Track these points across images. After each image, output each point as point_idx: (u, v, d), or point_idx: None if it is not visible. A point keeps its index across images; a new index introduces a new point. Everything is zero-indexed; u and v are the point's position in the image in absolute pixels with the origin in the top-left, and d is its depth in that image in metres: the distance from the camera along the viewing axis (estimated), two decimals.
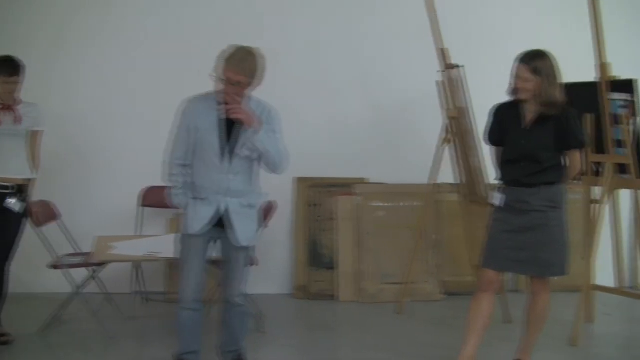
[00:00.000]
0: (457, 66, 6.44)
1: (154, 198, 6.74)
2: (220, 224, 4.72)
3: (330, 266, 7.37)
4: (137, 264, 6.86)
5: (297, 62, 7.44)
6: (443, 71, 6.58)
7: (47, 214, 6.16)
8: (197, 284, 4.79)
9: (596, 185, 6.16)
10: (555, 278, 5.10)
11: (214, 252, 4.91)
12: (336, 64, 7.56)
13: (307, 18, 7.49)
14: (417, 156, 7.28)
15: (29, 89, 5.86)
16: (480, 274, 5.14)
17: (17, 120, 5.60)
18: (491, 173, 5.56)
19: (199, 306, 4.82)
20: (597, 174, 6.12)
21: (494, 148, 5.21)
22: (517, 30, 7.41)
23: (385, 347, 5.90)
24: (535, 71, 4.76)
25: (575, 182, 5.56)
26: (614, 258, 6.55)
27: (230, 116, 4.56)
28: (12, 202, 5.56)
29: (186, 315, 4.80)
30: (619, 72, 5.92)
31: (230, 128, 4.64)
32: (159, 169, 4.87)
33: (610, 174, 5.96)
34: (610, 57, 5.92)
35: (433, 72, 6.75)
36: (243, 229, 4.74)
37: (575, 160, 4.96)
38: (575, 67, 5.80)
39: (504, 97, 5.03)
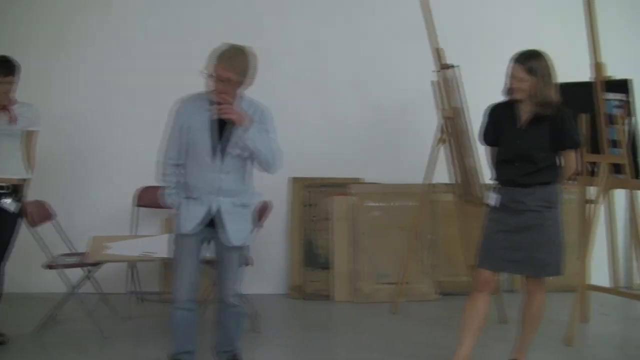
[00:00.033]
0: (452, 66, 6.44)
1: (149, 198, 6.73)
2: (213, 223, 4.72)
3: (326, 266, 7.37)
4: (132, 264, 6.85)
5: (295, 61, 7.45)
6: (438, 71, 6.58)
7: (42, 214, 6.15)
8: (191, 284, 4.79)
9: (591, 185, 6.16)
10: (551, 278, 5.10)
11: (208, 252, 4.90)
12: (333, 64, 7.55)
13: (305, 18, 7.48)
14: (412, 156, 7.28)
15: (28, 88, 5.86)
16: (476, 274, 5.14)
17: (12, 120, 5.59)
18: (486, 173, 5.56)
19: (192, 306, 4.82)
20: (592, 174, 6.13)
21: (489, 148, 5.21)
22: (513, 30, 7.40)
23: (380, 347, 5.90)
24: (531, 71, 4.76)
25: (570, 182, 5.57)
26: (609, 258, 6.55)
27: (221, 116, 4.56)
28: (7, 202, 5.55)
29: (180, 315, 4.80)
30: (619, 72, 5.94)
31: (223, 127, 4.64)
32: (155, 169, 4.87)
33: (605, 174, 5.96)
34: (610, 57, 5.94)
35: (429, 73, 6.75)
36: (235, 229, 4.73)
37: (570, 160, 4.96)
38: (575, 67, 5.85)
39: (501, 97, 5.03)
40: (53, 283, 6.39)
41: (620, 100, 5.83)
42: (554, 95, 4.81)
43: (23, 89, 5.75)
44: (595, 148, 5.99)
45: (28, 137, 5.74)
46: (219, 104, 4.56)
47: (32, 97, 5.87)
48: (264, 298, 7.13)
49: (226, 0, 7.42)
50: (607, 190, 6.11)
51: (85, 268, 6.13)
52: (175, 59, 7.12)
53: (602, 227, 6.26)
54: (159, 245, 5.78)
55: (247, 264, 5.67)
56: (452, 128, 6.53)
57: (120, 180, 7.16)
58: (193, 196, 4.72)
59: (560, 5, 7.50)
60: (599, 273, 6.60)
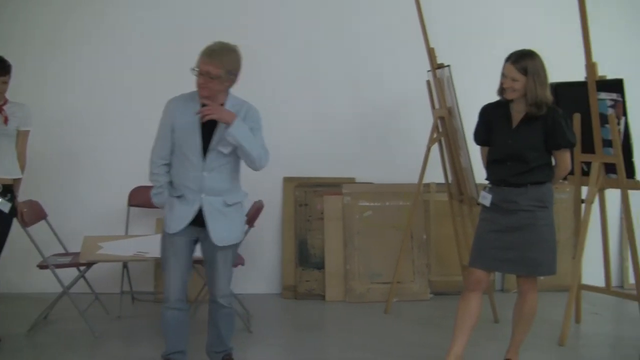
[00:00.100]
0: (445, 66, 6.44)
1: (142, 198, 6.71)
2: (202, 223, 4.71)
3: (319, 266, 7.36)
4: (125, 264, 6.83)
5: (288, 61, 7.45)
6: (432, 71, 6.58)
7: (35, 213, 6.14)
8: (180, 284, 4.78)
9: (585, 185, 6.17)
10: (543, 277, 5.11)
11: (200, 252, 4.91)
12: (326, 64, 7.54)
13: (299, 18, 7.46)
14: (405, 156, 7.31)
15: (23, 87, 5.85)
16: (468, 274, 5.15)
17: (5, 120, 5.58)
18: (480, 173, 5.55)
19: (183, 305, 4.82)
20: (586, 173, 6.13)
21: (482, 148, 5.22)
22: (507, 29, 7.39)
23: (372, 347, 5.89)
24: (524, 71, 4.77)
25: (562, 181, 5.58)
26: (602, 258, 6.56)
27: (205, 120, 4.56)
28: (0, 202, 5.54)
29: (170, 314, 4.80)
30: (620, 72, 5.94)
31: (211, 127, 4.63)
32: (148, 169, 4.87)
33: (599, 174, 5.97)
34: (610, 57, 5.95)
35: (423, 72, 6.77)
36: (219, 229, 4.71)
37: (564, 160, 4.96)
38: (568, 67, 5.86)
39: (495, 97, 5.04)
40: (46, 283, 6.39)
41: (614, 100, 5.84)
42: (547, 95, 4.82)
43: (18, 88, 5.74)
44: (589, 148, 5.99)
45: (19, 137, 5.72)
46: (203, 105, 4.56)
47: (27, 96, 5.86)
48: (257, 297, 7.14)
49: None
50: (600, 190, 6.12)
51: (78, 268, 6.11)
52: (170, 58, 7.10)
53: (595, 226, 6.27)
54: (151, 245, 5.76)
55: (237, 265, 5.68)
56: (445, 128, 6.53)
57: (114, 180, 7.15)
58: (179, 195, 4.72)
59: (554, 5, 7.50)
60: (591, 273, 6.63)
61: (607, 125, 5.81)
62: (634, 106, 5.94)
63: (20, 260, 6.64)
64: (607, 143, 5.86)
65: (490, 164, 5.07)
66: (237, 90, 4.76)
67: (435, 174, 6.90)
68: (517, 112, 4.92)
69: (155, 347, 5.44)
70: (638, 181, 5.91)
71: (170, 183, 4.78)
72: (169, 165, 4.76)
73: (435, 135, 6.62)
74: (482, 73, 5.92)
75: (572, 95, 6.03)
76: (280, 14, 7.44)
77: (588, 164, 6.08)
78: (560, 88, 5.96)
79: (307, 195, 7.44)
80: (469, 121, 5.52)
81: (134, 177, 6.63)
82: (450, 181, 6.73)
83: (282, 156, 6.93)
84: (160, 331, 4.98)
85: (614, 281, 7.06)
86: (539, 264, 4.93)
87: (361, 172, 7.60)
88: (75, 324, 6.14)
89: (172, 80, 5.53)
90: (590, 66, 5.73)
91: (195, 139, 4.62)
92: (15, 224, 5.75)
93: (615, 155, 5.81)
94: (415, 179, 6.73)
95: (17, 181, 5.72)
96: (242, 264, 6.21)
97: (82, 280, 6.22)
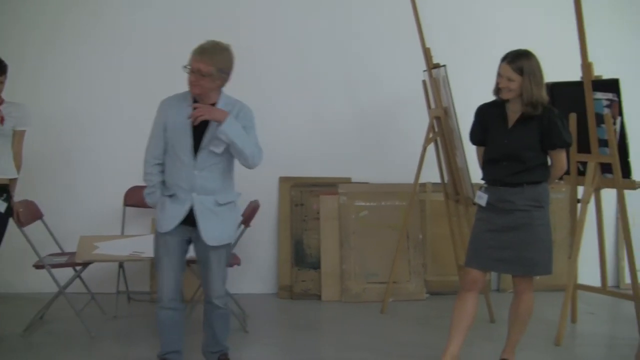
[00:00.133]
0: (441, 65, 6.44)
1: (138, 198, 6.66)
2: (195, 223, 4.70)
3: (315, 266, 7.36)
4: (121, 264, 6.83)
5: (284, 61, 7.44)
6: (427, 70, 6.58)
7: (31, 213, 6.13)
8: (173, 283, 4.78)
9: (581, 184, 6.17)
10: (538, 277, 5.11)
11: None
12: (322, 64, 7.53)
13: (295, 18, 7.46)
14: (401, 156, 7.31)
15: (21, 87, 5.84)
16: (464, 273, 5.15)
17: (1, 120, 5.57)
18: (476, 173, 5.56)
19: (177, 305, 4.82)
20: (582, 173, 6.13)
21: (477, 148, 5.22)
22: (502, 29, 7.39)
23: (368, 347, 5.89)
24: (520, 71, 4.77)
25: (558, 181, 5.58)
26: (598, 257, 6.56)
27: (197, 122, 4.56)
28: None
29: (164, 314, 4.80)
30: (620, 72, 5.95)
31: (202, 126, 4.63)
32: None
33: (594, 174, 5.97)
34: (610, 57, 5.95)
35: (419, 72, 6.77)
36: (210, 228, 4.71)
37: (560, 160, 4.96)
38: (564, 66, 5.85)
39: (491, 97, 5.04)
40: (42, 283, 6.39)
41: (610, 100, 5.84)
42: (543, 95, 4.82)
43: (16, 88, 5.73)
44: (584, 148, 6.00)
45: (15, 137, 5.71)
46: (194, 109, 4.56)
47: (24, 96, 5.85)
48: (253, 297, 7.14)
49: None
50: (596, 190, 6.12)
51: (74, 268, 6.11)
52: (167, 58, 7.05)
53: (591, 226, 6.27)
54: (147, 245, 5.73)
55: (232, 264, 5.68)
56: (441, 128, 6.54)
57: (110, 179, 7.14)
58: (170, 194, 4.72)
59: (550, 5, 7.50)
60: (587, 272, 6.63)
61: (603, 125, 5.81)
62: (629, 106, 5.95)
63: (16, 260, 6.63)
64: (603, 143, 5.86)
65: (486, 163, 5.07)
66: (233, 89, 4.76)
67: (431, 174, 6.91)
68: (513, 112, 4.92)
69: (151, 347, 5.44)
70: (634, 181, 5.91)
71: (163, 182, 4.78)
72: (162, 164, 4.76)
73: (431, 135, 6.63)
74: (478, 73, 5.94)
75: (568, 95, 6.04)
76: (276, 14, 7.43)
77: (584, 163, 6.08)
78: (556, 88, 5.96)
79: (303, 195, 7.44)
80: (465, 121, 5.51)
81: (129, 177, 6.62)
82: (446, 181, 6.74)
83: (278, 156, 6.93)
84: (156, 331, 4.98)
85: (610, 281, 7.08)
86: (535, 263, 4.93)
87: (357, 172, 7.60)
88: (71, 324, 6.14)
89: (168, 81, 5.52)
90: (586, 66, 5.73)
91: (186, 138, 4.62)
92: (11, 223, 5.73)
93: (611, 155, 5.82)
94: (411, 179, 6.73)
95: (13, 181, 5.70)
96: (238, 264, 6.21)
97: (78, 280, 6.21)
